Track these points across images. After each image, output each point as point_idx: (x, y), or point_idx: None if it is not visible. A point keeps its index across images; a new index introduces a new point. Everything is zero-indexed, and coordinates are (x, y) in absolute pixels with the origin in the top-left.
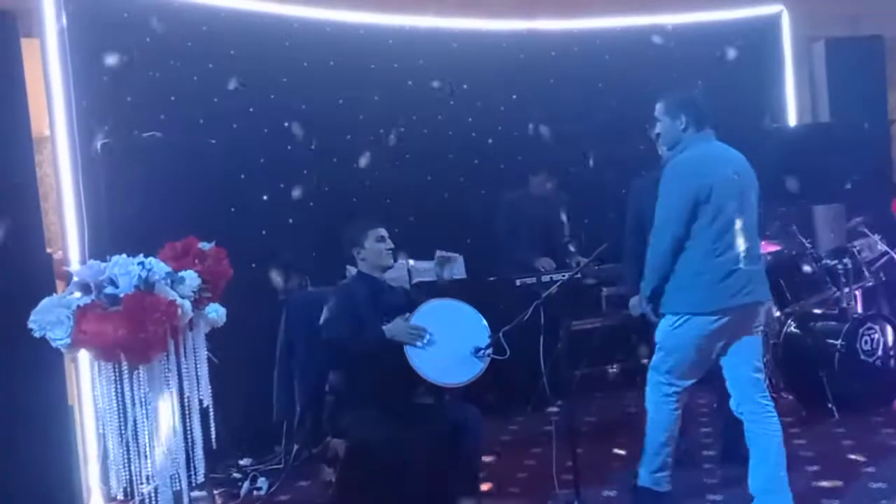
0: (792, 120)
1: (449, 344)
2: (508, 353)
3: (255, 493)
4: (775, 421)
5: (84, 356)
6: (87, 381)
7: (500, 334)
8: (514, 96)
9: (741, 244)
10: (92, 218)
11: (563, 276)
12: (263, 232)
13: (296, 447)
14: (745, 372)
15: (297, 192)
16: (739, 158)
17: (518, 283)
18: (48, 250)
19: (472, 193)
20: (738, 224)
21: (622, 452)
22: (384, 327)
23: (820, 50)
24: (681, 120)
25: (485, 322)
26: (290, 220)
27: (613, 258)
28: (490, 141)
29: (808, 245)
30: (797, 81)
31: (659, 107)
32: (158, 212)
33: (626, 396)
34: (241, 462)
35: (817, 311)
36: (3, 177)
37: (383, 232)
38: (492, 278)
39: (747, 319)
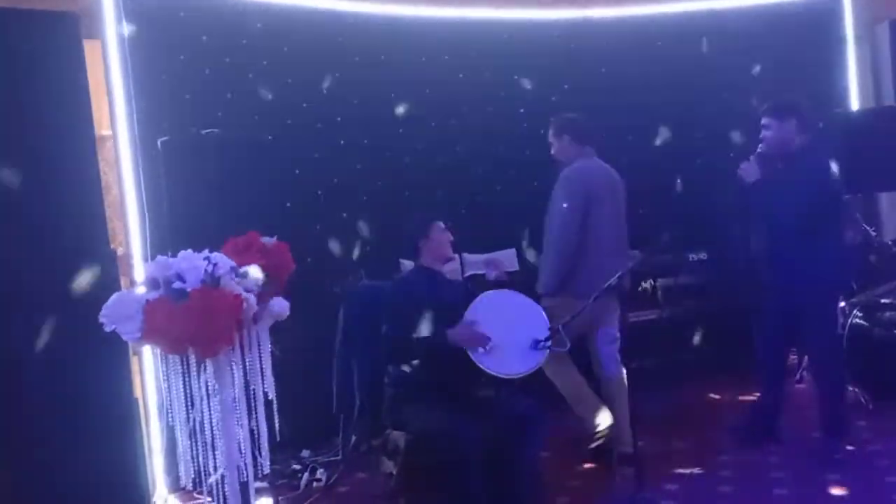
0: (855, 104)
1: (507, 335)
2: (569, 345)
3: (314, 484)
4: None
5: (148, 350)
6: (150, 375)
7: (560, 326)
8: (566, 86)
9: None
10: (153, 214)
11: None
12: (318, 227)
13: (354, 439)
14: None
15: (350, 187)
16: None
17: None
18: (111, 246)
19: (524, 185)
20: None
21: (682, 444)
22: (448, 332)
23: (884, 32)
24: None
25: (544, 313)
26: (344, 215)
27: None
28: (542, 132)
29: (872, 233)
30: (860, 64)
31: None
32: (216, 208)
33: (681, 389)
34: (301, 454)
35: (885, 300)
36: (68, 175)
37: (442, 224)
38: None
39: None
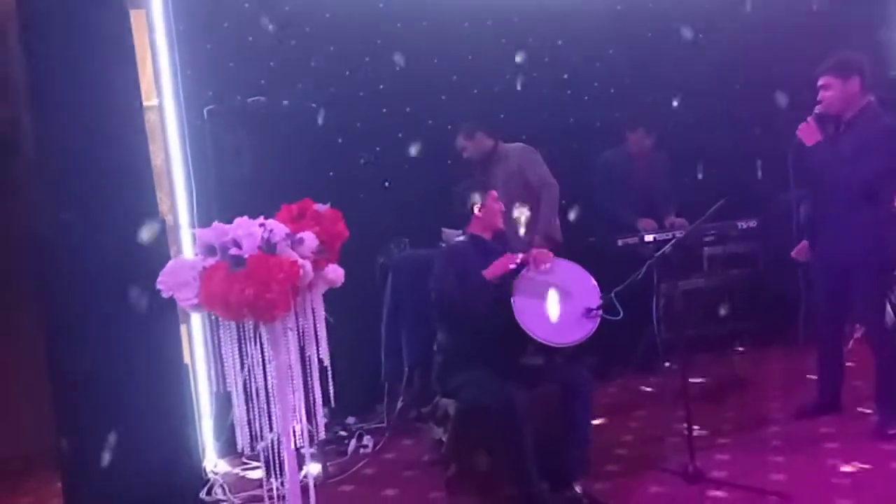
0: None
1: (558, 304)
2: (622, 313)
3: (361, 450)
4: None
5: (197, 318)
6: (199, 342)
7: (613, 294)
8: (611, 51)
9: None
10: (200, 183)
11: (668, 235)
12: (361, 195)
13: (399, 406)
14: None
15: (392, 155)
16: None
17: (620, 243)
18: (161, 215)
19: (568, 152)
20: None
21: (731, 414)
22: (485, 272)
23: None
24: None
25: (594, 282)
26: (387, 184)
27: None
28: (586, 98)
29: None
30: None
31: None
32: (261, 176)
33: (730, 358)
34: (346, 421)
35: None
36: (117, 145)
37: (496, 193)
38: (592, 239)
39: None
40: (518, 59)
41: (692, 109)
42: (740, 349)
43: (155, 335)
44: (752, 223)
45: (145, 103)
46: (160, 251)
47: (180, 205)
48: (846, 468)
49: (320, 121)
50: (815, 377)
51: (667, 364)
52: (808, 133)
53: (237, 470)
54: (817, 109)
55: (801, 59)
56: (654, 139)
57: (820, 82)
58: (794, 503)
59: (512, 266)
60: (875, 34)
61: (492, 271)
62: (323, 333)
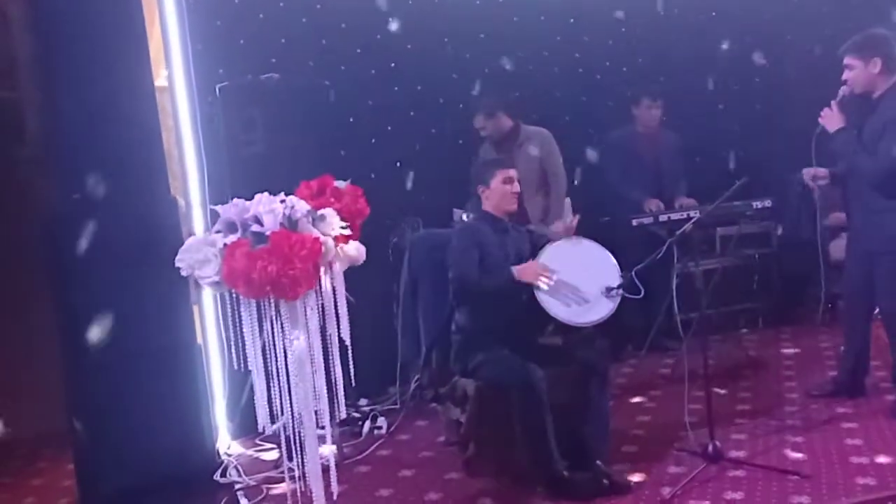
0: None
1: (578, 283)
2: (643, 292)
3: (375, 432)
4: None
5: (209, 297)
6: (211, 322)
7: (633, 273)
8: (623, 29)
9: None
10: (211, 162)
11: (682, 215)
12: (372, 175)
13: (413, 387)
14: None
15: (404, 134)
16: None
17: (634, 223)
18: (172, 195)
19: (580, 132)
20: None
21: (747, 395)
22: (513, 268)
23: None
24: None
25: (614, 260)
26: (398, 163)
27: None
28: (598, 77)
29: None
30: None
31: None
32: (273, 155)
33: (744, 339)
34: (359, 402)
35: None
36: (129, 124)
37: (513, 174)
38: (605, 218)
39: None
40: (529, 37)
41: (705, 89)
42: (754, 329)
43: (168, 315)
44: (767, 203)
45: (155, 83)
46: (174, 231)
47: (192, 185)
48: (862, 446)
49: (332, 99)
50: (836, 360)
51: (676, 346)
52: (831, 120)
53: (251, 451)
54: (842, 91)
55: (818, 37)
56: (661, 111)
57: (844, 62)
58: (814, 482)
59: (542, 286)
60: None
61: (522, 275)
62: (344, 312)
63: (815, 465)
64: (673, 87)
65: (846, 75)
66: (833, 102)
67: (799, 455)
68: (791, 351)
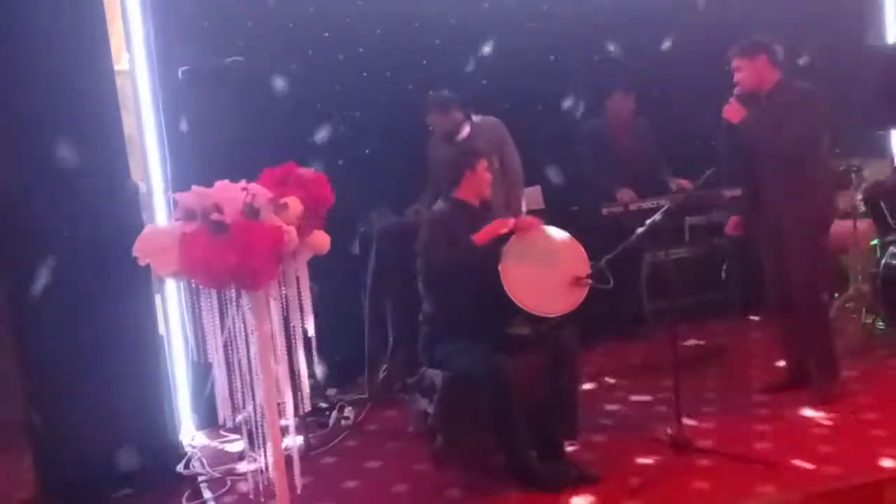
0: (890, 37)
1: (547, 273)
2: (612, 282)
3: (343, 422)
4: None
5: (172, 288)
6: (175, 313)
7: (603, 263)
8: (595, 18)
9: None
10: (174, 147)
11: (653, 204)
12: (340, 162)
13: (382, 377)
14: None
15: (373, 121)
16: None
17: (605, 212)
18: (133, 181)
19: (551, 121)
20: None
21: (716, 384)
22: (474, 236)
23: None
24: None
25: (583, 250)
26: (367, 150)
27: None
28: (569, 66)
29: None
30: None
31: None
32: (238, 140)
33: (712, 328)
34: (326, 393)
35: None
36: (88, 110)
37: (487, 163)
38: (575, 208)
39: None
40: (501, 24)
41: (677, 77)
42: (723, 318)
43: (129, 305)
44: (737, 192)
45: (116, 66)
46: (133, 218)
47: (153, 170)
48: (829, 434)
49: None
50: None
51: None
52: (733, 112)
53: (215, 443)
54: (735, 91)
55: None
56: (634, 103)
57: (733, 65)
58: (780, 471)
59: (504, 230)
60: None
61: (482, 235)
62: (308, 302)
63: (781, 455)
64: (645, 76)
65: (736, 77)
66: (732, 97)
67: (765, 444)
68: (759, 339)
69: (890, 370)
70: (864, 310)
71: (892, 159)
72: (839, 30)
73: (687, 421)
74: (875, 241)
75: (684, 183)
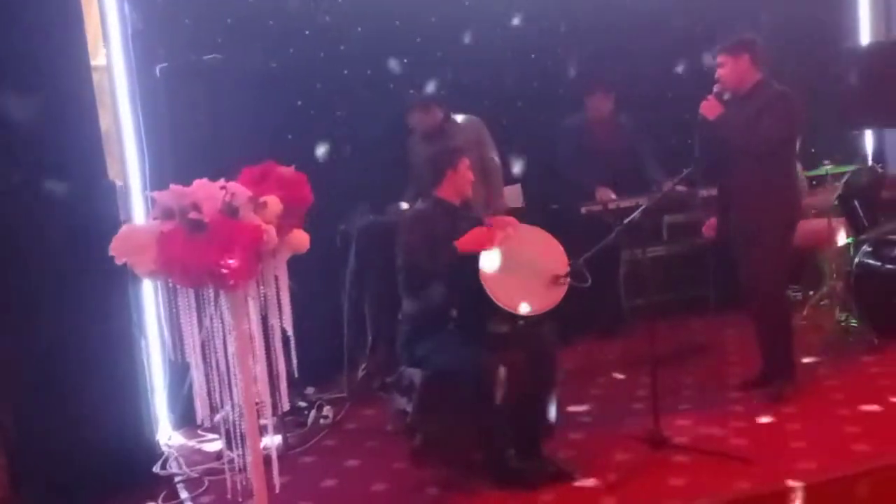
0: (865, 38)
1: (526, 271)
2: (590, 280)
3: (321, 421)
4: None
5: (149, 286)
6: (151, 311)
7: (582, 261)
8: (575, 15)
9: None
10: (152, 145)
11: (632, 203)
12: (320, 160)
13: (361, 376)
14: None
15: (353, 119)
16: None
17: (584, 210)
18: (110, 178)
19: (531, 119)
20: None
21: (692, 380)
22: (456, 242)
23: None
24: None
25: (562, 248)
26: (348, 148)
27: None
28: (549, 63)
29: (879, 170)
30: None
31: None
32: (217, 138)
33: (691, 325)
34: (305, 391)
35: (893, 237)
36: (64, 106)
37: (469, 162)
38: (555, 206)
39: None
40: (482, 22)
41: (655, 76)
42: (701, 316)
43: (105, 304)
44: (714, 191)
45: (92, 62)
46: (110, 216)
47: (131, 168)
48: (802, 429)
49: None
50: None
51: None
52: (709, 108)
53: (193, 442)
54: (715, 87)
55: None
56: (614, 103)
57: (717, 60)
58: (756, 467)
59: (489, 247)
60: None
61: (466, 245)
62: (286, 302)
63: (757, 450)
64: (623, 75)
65: (719, 73)
66: (710, 94)
67: (742, 440)
68: (735, 337)
69: (863, 367)
70: (837, 307)
71: (867, 160)
72: (815, 31)
73: (665, 417)
74: (849, 240)
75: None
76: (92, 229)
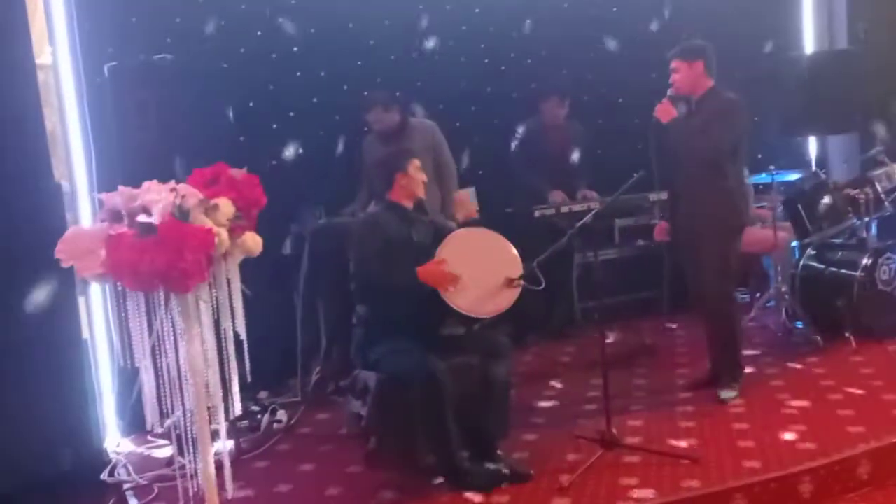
0: (809, 47)
1: (480, 274)
2: (544, 283)
3: (275, 425)
4: None
5: (97, 290)
6: (99, 316)
7: (535, 264)
8: (528, 21)
9: None
10: (100, 145)
11: (584, 207)
12: (273, 162)
13: (315, 379)
14: None
15: (306, 121)
16: None
17: (537, 214)
18: (56, 180)
19: (485, 122)
20: None
21: (643, 381)
22: (418, 269)
23: None
24: None
25: (516, 251)
26: (301, 150)
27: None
28: (503, 68)
29: (822, 175)
30: (815, 7)
31: None
32: (167, 139)
33: (641, 327)
34: (258, 395)
35: (836, 241)
36: (7, 105)
37: (420, 163)
38: (509, 209)
39: None
40: (435, 26)
41: (607, 82)
42: (650, 318)
43: (51, 308)
44: (663, 196)
45: (37, 60)
46: (56, 218)
47: (78, 169)
48: (750, 429)
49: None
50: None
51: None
52: (663, 112)
53: (142, 449)
54: (669, 91)
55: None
56: (567, 109)
57: (671, 65)
58: (704, 466)
59: (450, 289)
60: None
61: (427, 277)
62: (239, 305)
63: (705, 450)
64: (575, 80)
65: (673, 78)
66: (665, 98)
67: (690, 440)
68: (684, 339)
69: (808, 367)
70: (783, 309)
71: (810, 166)
72: (761, 41)
73: (616, 418)
74: (794, 244)
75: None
76: (37, 231)
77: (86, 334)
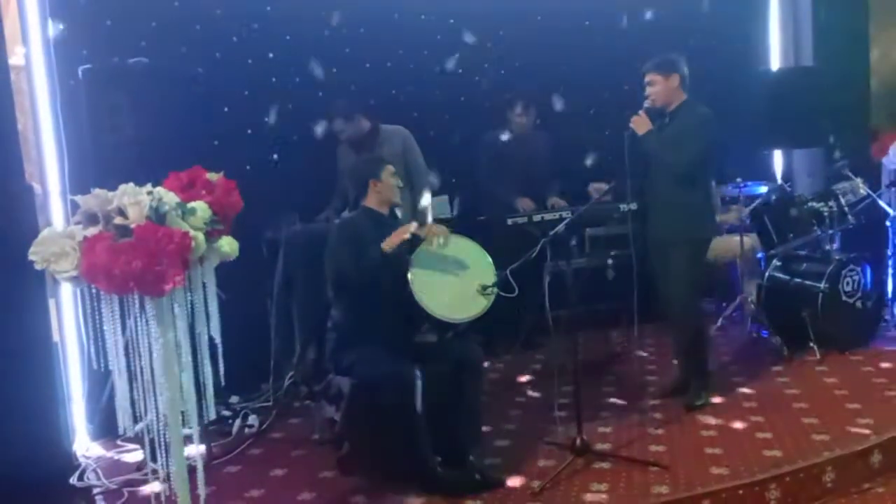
0: (775, 63)
1: (454, 281)
2: (517, 291)
3: (246, 430)
4: None
5: (68, 292)
6: (70, 318)
7: (508, 272)
8: (501, 32)
9: None
10: (73, 148)
11: (556, 215)
12: (248, 167)
13: (286, 384)
14: None
15: (281, 127)
16: None
17: (510, 222)
18: (28, 182)
19: (458, 131)
20: None
21: (613, 389)
22: (382, 245)
23: None
24: None
25: (490, 259)
26: (275, 156)
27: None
28: (476, 78)
29: (787, 188)
30: (781, 24)
31: None
32: (141, 143)
33: (611, 336)
34: (229, 400)
35: (801, 252)
36: None
37: (394, 169)
38: (482, 217)
39: None
40: (410, 35)
41: (578, 93)
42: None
43: (20, 311)
44: (633, 206)
45: (10, 60)
46: (27, 221)
47: (50, 171)
48: (718, 437)
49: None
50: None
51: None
52: (639, 123)
53: (112, 453)
54: (646, 104)
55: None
56: (533, 117)
57: (646, 79)
58: (673, 473)
59: (407, 236)
60: (747, 28)
61: (389, 242)
62: (214, 309)
63: (674, 457)
64: (547, 91)
65: (649, 90)
66: (641, 110)
67: (659, 447)
68: (653, 347)
69: (773, 376)
70: (749, 319)
71: (776, 179)
72: (729, 56)
73: (586, 425)
74: (760, 254)
75: (561, 203)
76: (9, 233)
77: (56, 337)
